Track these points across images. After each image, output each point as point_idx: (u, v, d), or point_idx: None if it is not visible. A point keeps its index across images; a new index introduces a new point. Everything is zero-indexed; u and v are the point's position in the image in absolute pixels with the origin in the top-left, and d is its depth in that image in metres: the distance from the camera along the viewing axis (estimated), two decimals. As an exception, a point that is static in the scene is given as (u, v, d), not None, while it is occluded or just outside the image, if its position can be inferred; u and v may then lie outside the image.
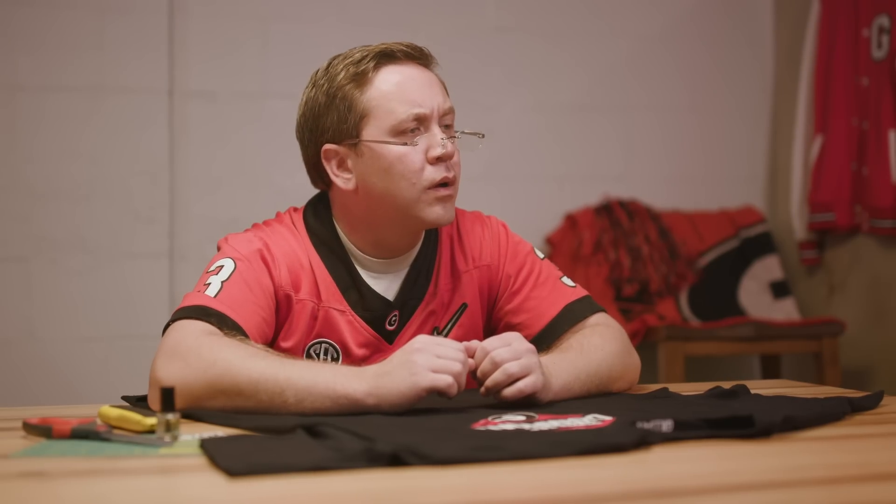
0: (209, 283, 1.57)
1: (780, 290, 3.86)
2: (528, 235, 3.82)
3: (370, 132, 1.64)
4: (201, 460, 1.13)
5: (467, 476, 1.05)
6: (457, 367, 1.42)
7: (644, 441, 1.19)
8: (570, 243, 3.74)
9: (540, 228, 3.80)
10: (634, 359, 1.73)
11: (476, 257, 1.75)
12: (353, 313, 1.66)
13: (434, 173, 1.64)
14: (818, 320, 3.57)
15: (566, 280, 1.77)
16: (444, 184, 1.65)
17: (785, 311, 3.80)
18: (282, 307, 1.64)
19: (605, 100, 3.91)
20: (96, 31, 3.42)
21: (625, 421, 1.28)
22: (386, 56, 1.64)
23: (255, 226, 1.71)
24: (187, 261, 3.44)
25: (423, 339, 1.44)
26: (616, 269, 3.69)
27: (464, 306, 1.73)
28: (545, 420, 1.31)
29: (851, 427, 1.37)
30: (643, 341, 3.49)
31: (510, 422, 1.31)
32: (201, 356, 1.45)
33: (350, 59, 1.65)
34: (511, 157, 3.81)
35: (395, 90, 1.63)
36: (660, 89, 3.97)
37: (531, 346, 1.51)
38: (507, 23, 3.81)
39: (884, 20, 3.51)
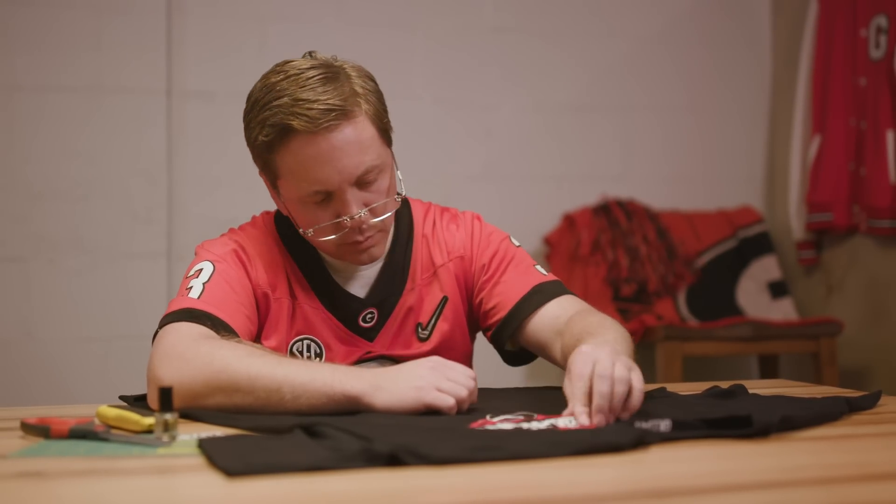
0: (191, 287, 1.59)
1: (778, 290, 3.86)
2: (526, 235, 3.85)
3: (284, 192, 1.63)
4: (199, 460, 1.13)
5: (465, 476, 1.05)
6: (463, 392, 1.40)
7: (642, 441, 1.19)
8: (568, 243, 3.74)
9: (538, 228, 3.80)
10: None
11: (451, 250, 1.75)
12: (325, 311, 1.68)
13: (345, 236, 1.62)
14: (816, 320, 3.57)
15: (539, 268, 1.76)
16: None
17: (783, 311, 3.80)
18: (261, 305, 1.66)
19: (603, 100, 3.92)
20: (94, 31, 3.42)
21: (623, 421, 1.28)
22: (288, 131, 1.56)
23: (230, 230, 1.74)
24: (185, 261, 3.44)
25: (436, 360, 1.44)
26: (614, 269, 3.69)
27: (444, 300, 1.73)
28: (543, 420, 1.31)
29: (849, 427, 1.37)
30: (641, 341, 3.49)
31: (508, 421, 1.31)
32: (199, 354, 1.46)
33: (260, 120, 1.59)
34: (509, 156, 3.82)
35: (299, 167, 1.57)
36: (658, 89, 3.97)
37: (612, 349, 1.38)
38: (506, 23, 3.82)
39: (881, 20, 3.51)
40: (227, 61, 3.53)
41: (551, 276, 1.74)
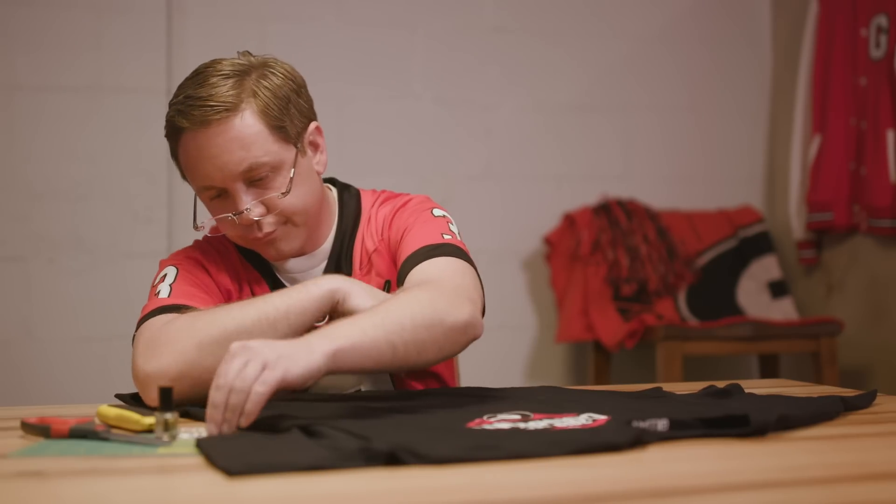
0: (158, 291, 1.62)
1: (778, 289, 3.86)
2: (527, 235, 3.86)
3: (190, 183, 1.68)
4: (199, 460, 1.13)
5: (463, 475, 1.05)
6: None
7: (640, 440, 1.19)
8: (569, 243, 3.74)
9: (538, 228, 3.80)
10: (445, 326, 1.46)
11: (379, 233, 1.73)
12: None
13: (244, 231, 1.64)
14: (816, 320, 3.57)
15: (447, 236, 1.65)
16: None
17: (783, 310, 3.80)
18: (225, 301, 1.69)
19: (603, 99, 3.92)
20: (94, 31, 3.42)
21: (620, 420, 1.28)
22: (176, 130, 1.61)
23: (195, 241, 1.78)
24: (186, 260, 3.44)
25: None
26: (614, 268, 3.69)
27: (387, 283, 1.71)
28: (540, 419, 1.31)
29: (848, 427, 1.37)
30: (641, 341, 3.49)
31: (505, 421, 1.31)
32: (178, 329, 1.49)
33: (166, 116, 1.63)
34: (510, 156, 3.82)
35: (188, 164, 1.62)
36: (658, 89, 3.97)
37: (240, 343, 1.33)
38: (506, 22, 3.82)
39: (882, 20, 3.51)
40: (227, 61, 3.52)
41: (447, 240, 1.64)
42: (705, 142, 4.03)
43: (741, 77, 4.06)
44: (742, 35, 4.07)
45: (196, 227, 1.69)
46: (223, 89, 1.58)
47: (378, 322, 1.39)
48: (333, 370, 1.34)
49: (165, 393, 1.25)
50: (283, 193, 1.61)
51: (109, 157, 3.44)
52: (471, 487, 1.02)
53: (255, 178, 1.60)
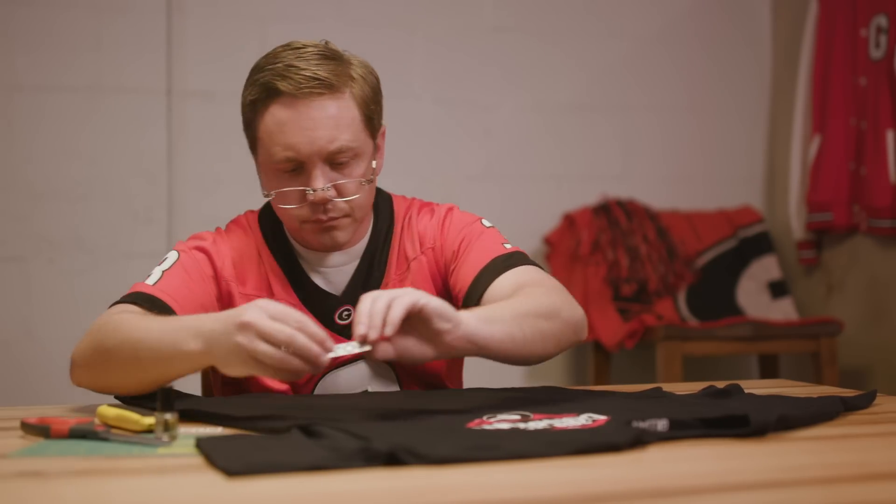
0: (151, 273, 1.66)
1: (778, 289, 3.86)
2: (526, 235, 3.86)
3: (260, 156, 1.67)
4: (199, 460, 1.13)
5: (463, 475, 1.05)
6: (286, 335, 1.31)
7: (639, 440, 1.19)
8: (569, 243, 3.74)
9: (538, 228, 3.80)
10: (561, 320, 1.55)
11: (423, 242, 1.74)
12: (303, 307, 1.68)
13: (308, 212, 1.64)
14: (816, 320, 3.58)
15: (508, 245, 1.71)
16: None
17: (783, 310, 3.80)
18: (223, 297, 1.68)
19: (603, 100, 3.92)
20: (94, 31, 3.43)
21: (620, 420, 1.28)
22: (273, 92, 1.61)
23: (217, 229, 1.78)
24: (186, 261, 3.44)
25: (263, 304, 1.35)
26: (614, 268, 3.69)
27: None
28: (540, 420, 1.31)
29: (848, 427, 1.37)
30: (641, 341, 3.49)
31: (505, 421, 1.31)
32: (100, 327, 1.53)
33: (253, 80, 1.64)
34: (509, 156, 3.82)
35: (275, 130, 1.61)
36: (658, 89, 3.97)
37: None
38: (505, 23, 3.82)
39: (882, 20, 3.51)
40: (227, 61, 3.53)
41: (513, 248, 1.69)
42: (705, 142, 4.03)
43: (741, 77, 4.06)
44: (742, 35, 4.07)
45: (265, 195, 1.68)
46: (328, 67, 1.61)
47: (505, 305, 1.48)
48: (471, 335, 1.37)
49: (165, 393, 1.25)
50: (367, 180, 1.64)
51: (109, 157, 3.44)
52: (471, 487, 1.02)
53: (338, 162, 1.62)
